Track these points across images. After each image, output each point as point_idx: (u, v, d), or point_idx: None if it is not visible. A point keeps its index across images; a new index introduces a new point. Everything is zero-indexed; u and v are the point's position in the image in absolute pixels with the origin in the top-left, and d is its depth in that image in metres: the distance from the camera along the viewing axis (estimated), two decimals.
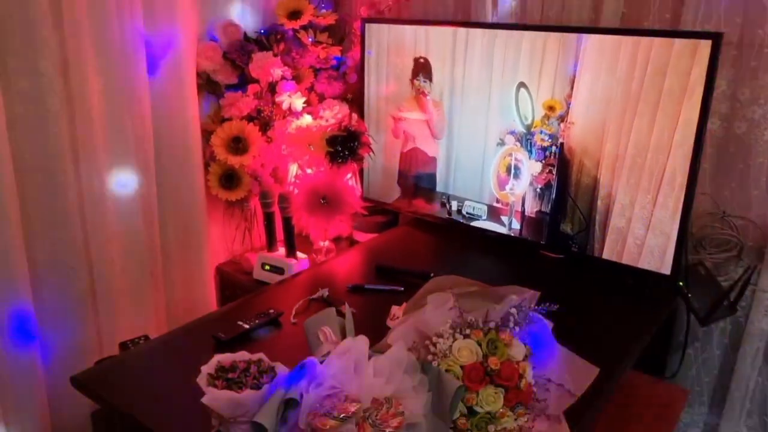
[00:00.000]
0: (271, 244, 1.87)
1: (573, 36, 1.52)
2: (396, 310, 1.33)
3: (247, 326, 1.30)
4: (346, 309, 1.15)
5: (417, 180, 1.91)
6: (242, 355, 1.07)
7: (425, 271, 1.55)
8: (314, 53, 1.90)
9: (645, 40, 1.42)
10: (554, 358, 1.08)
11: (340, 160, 1.69)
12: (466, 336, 1.02)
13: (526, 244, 1.73)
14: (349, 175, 1.79)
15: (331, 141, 1.67)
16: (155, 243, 1.77)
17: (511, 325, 1.05)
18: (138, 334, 1.63)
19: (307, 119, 1.78)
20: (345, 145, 1.69)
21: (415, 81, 1.81)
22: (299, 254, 1.85)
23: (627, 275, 1.55)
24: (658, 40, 1.41)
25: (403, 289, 1.50)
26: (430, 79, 1.79)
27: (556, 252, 1.70)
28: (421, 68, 1.79)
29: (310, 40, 1.90)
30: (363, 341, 0.97)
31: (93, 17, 1.50)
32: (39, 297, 1.56)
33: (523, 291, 1.09)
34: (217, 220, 1.98)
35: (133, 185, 1.67)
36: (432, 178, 1.87)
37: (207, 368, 1.03)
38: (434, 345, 1.01)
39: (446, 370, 0.98)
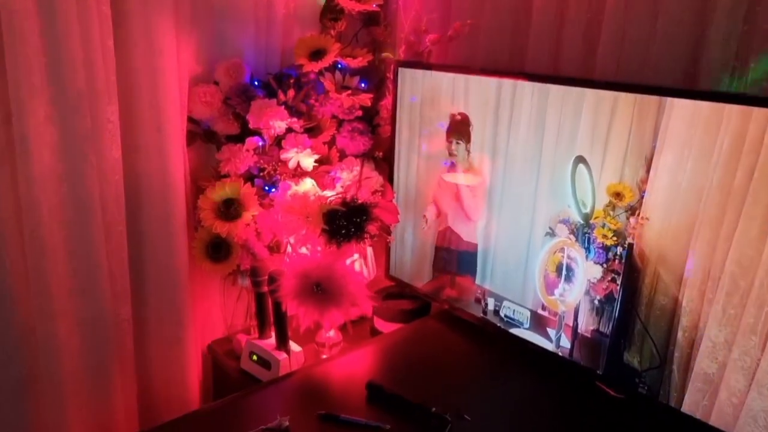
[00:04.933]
0: (262, 329, 1.54)
1: (653, 99, 1.08)
2: None
3: None
4: None
5: (454, 266, 1.52)
6: None
7: (425, 404, 1.16)
8: (337, 101, 1.56)
9: (760, 113, 0.97)
10: None
11: (341, 239, 1.33)
12: None
13: (578, 370, 1.29)
14: (355, 256, 1.43)
15: (329, 216, 1.32)
16: (124, 318, 1.48)
17: None
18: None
19: (307, 184, 1.44)
20: (350, 220, 1.34)
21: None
22: (293, 346, 1.50)
23: None
24: None
25: (389, 428, 1.12)
26: (467, 141, 1.41)
27: (616, 389, 1.24)
28: (456, 127, 1.42)
29: (334, 84, 1.57)
30: None
31: (46, 48, 1.20)
32: None
33: None
34: (214, 288, 1.69)
35: (96, 251, 1.38)
36: (471, 265, 1.47)
37: None
38: None
39: None
